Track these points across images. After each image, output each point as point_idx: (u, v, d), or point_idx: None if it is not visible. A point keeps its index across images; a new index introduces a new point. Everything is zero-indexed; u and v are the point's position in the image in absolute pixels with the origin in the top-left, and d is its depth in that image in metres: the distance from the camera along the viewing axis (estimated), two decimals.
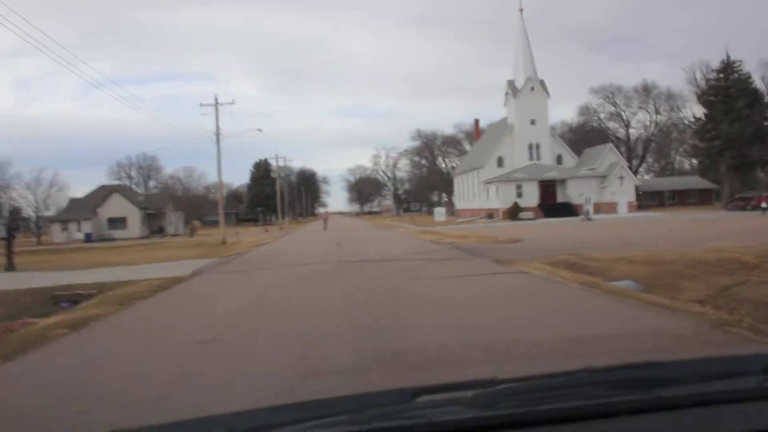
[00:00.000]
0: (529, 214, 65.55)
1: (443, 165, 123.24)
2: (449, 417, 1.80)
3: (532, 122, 73.00)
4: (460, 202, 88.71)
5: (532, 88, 73.25)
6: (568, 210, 66.77)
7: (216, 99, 43.89)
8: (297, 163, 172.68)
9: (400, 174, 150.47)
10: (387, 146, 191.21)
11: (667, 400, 1.86)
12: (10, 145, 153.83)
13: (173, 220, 77.23)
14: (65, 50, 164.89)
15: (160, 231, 74.08)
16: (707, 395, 1.90)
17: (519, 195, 68.25)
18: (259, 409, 1.99)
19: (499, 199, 68.88)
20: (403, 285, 12.81)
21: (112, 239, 68.27)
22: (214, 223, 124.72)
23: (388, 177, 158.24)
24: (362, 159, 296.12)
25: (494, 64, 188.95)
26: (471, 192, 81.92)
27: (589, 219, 55.15)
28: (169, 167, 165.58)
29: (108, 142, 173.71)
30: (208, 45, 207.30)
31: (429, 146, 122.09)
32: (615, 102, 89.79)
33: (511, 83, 75.22)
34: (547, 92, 73.81)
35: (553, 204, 68.29)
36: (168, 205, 73.80)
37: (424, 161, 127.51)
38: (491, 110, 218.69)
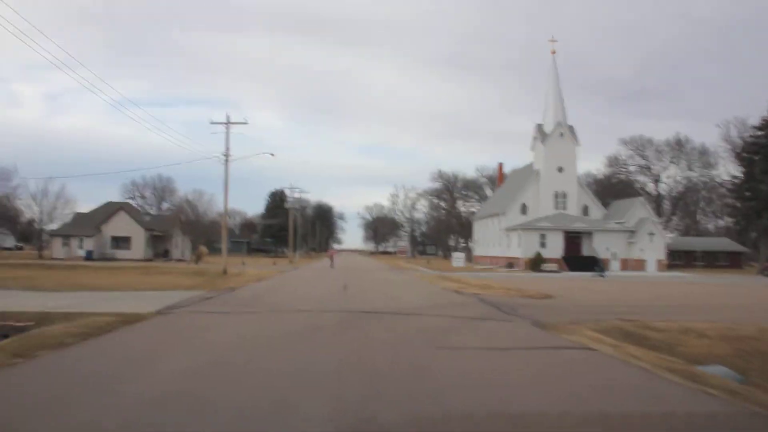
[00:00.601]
0: (553, 266, 61.91)
1: (463, 209, 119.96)
2: None
3: (560, 170, 69.87)
4: (478, 249, 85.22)
5: (561, 134, 70.30)
6: (594, 264, 63.03)
7: (228, 117, 41.30)
8: (314, 197, 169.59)
9: (417, 215, 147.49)
10: (406, 186, 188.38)
11: None
12: (27, 156, 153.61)
13: (180, 244, 74.40)
14: (88, 70, 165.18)
15: (165, 254, 71.18)
16: None
17: (542, 245, 64.73)
18: None
19: (521, 247, 65.34)
20: (426, 360, 8.91)
21: (114, 259, 65.46)
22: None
23: (406, 217, 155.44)
24: (380, 197, 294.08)
25: (519, 110, 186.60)
26: (491, 239, 78.49)
27: (601, 275, 51.42)
28: (184, 190, 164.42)
29: (128, 161, 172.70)
30: (235, 74, 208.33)
31: (449, 188, 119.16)
32: (645, 155, 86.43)
33: (539, 127, 72.33)
34: (577, 139, 70.79)
35: (578, 257, 64.66)
36: (175, 228, 70.94)
37: (443, 203, 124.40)
38: (514, 156, 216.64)
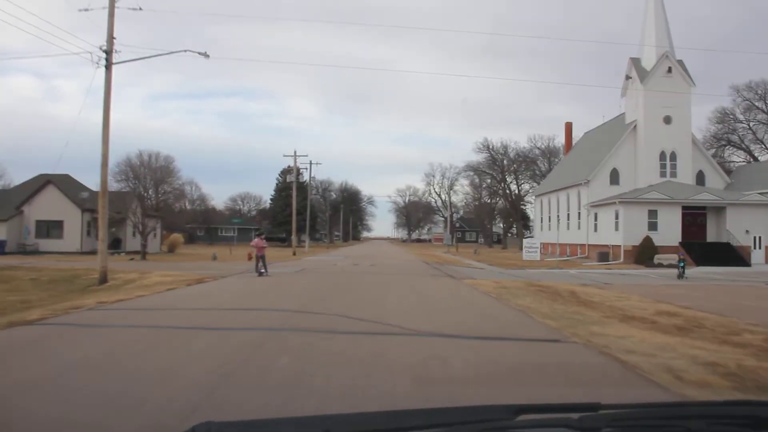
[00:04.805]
0: (671, 258, 41.22)
1: (514, 186, 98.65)
2: None
3: (667, 120, 48.91)
4: (541, 233, 64.34)
5: (669, 70, 49.28)
6: (730, 254, 42.29)
7: None
8: (347, 184, 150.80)
9: (455, 198, 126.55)
10: (443, 165, 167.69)
11: None
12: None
13: (150, 231, 54.67)
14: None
15: (116, 244, 51.94)
16: None
17: (652, 226, 43.94)
18: (358, 413, 1.91)
19: (620, 230, 44.55)
20: None
21: (36, 252, 46.51)
22: (226, 240, 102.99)
23: (442, 200, 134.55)
24: (415, 183, 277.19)
25: (556, 99, 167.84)
26: (562, 219, 57.81)
27: (683, 276, 30.29)
28: (186, 174, 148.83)
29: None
30: (271, 64, 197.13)
31: (497, 161, 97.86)
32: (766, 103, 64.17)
33: (635, 63, 51.25)
34: (691, 79, 49.62)
35: (702, 243, 43.87)
36: (132, 209, 51.09)
37: (489, 180, 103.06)
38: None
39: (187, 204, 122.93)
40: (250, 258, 42.07)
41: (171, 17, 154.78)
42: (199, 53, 23.46)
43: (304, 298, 15.36)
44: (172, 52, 23.29)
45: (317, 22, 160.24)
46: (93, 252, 50.91)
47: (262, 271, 24.22)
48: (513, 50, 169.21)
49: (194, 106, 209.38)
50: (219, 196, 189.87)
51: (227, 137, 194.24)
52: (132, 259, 45.26)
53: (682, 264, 30.14)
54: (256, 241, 25.64)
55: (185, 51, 23.30)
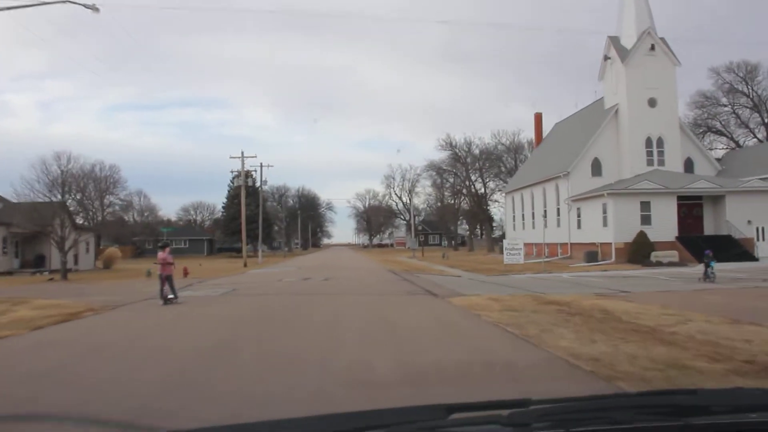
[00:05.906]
0: (671, 255, 36.37)
1: (480, 185, 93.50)
2: None
3: (651, 103, 44.18)
4: (513, 233, 59.13)
5: (652, 47, 44.61)
6: (734, 248, 37.56)
7: None
8: (306, 191, 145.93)
9: (416, 201, 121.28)
10: (403, 166, 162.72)
11: (697, 428, 1.79)
12: None
13: (71, 246, 47.76)
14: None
15: (39, 262, 45.29)
16: (739, 425, 1.80)
17: (645, 220, 39.04)
18: (292, 419, 1.88)
19: (609, 226, 39.54)
20: None
21: None
22: (179, 253, 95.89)
23: (403, 203, 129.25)
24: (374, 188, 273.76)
25: (516, 101, 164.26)
26: (538, 217, 52.76)
27: (709, 277, 24.95)
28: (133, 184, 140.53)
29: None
30: (226, 73, 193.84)
31: (460, 158, 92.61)
32: (750, 86, 60.20)
33: (613, 42, 46.47)
34: (675, 57, 45.02)
35: (701, 236, 39.04)
36: (57, 222, 43.94)
37: (452, 179, 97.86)
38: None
39: (135, 215, 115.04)
40: (186, 274, 35.94)
41: (120, 30, 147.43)
42: (86, 6, 17.52)
43: (186, 363, 8.73)
44: (45, 3, 17.29)
45: (275, 31, 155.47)
46: (9, 273, 44.20)
47: (170, 296, 17.48)
48: (473, 53, 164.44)
49: (150, 117, 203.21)
50: (172, 208, 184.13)
51: (182, 148, 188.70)
52: (51, 279, 38.78)
53: (712, 263, 24.82)
54: (159, 255, 18.56)
55: (64, 1, 17.32)
